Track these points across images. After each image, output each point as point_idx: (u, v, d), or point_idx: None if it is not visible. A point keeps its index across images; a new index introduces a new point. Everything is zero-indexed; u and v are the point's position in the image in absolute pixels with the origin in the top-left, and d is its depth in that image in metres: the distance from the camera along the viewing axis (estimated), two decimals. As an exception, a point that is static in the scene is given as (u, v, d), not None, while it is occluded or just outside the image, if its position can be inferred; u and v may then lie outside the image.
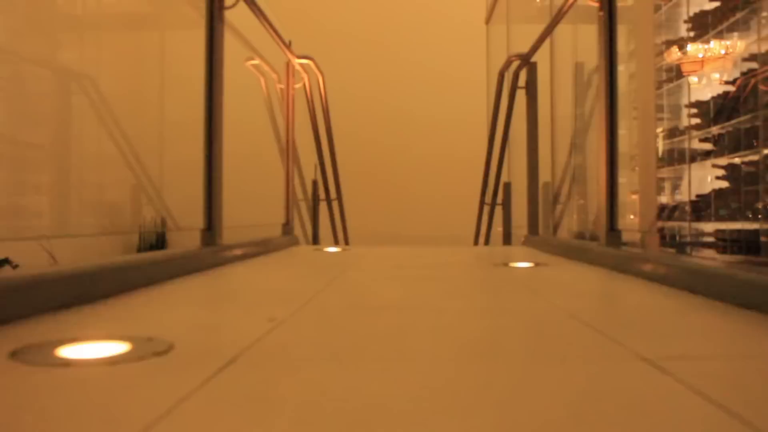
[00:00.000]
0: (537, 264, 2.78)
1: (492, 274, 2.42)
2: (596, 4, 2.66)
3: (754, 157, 4.66)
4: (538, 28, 3.74)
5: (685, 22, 5.54)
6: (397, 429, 0.68)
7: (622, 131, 4.85)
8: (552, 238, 4.13)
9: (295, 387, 0.85)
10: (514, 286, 2.05)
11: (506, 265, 2.76)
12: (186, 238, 4.77)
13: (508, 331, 1.28)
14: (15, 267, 2.72)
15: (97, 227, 3.93)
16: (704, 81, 5.37)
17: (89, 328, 1.22)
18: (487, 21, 8.58)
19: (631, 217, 6.32)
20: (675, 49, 5.47)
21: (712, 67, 5.13)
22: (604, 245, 2.67)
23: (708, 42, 5.06)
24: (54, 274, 1.44)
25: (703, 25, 5.34)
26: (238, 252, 2.94)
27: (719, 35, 5.20)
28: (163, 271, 2.03)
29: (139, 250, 4.16)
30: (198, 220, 2.71)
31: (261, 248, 3.39)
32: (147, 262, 1.97)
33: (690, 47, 5.31)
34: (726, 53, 4.83)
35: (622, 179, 6.08)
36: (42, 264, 2.87)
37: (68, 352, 1.00)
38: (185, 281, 2.00)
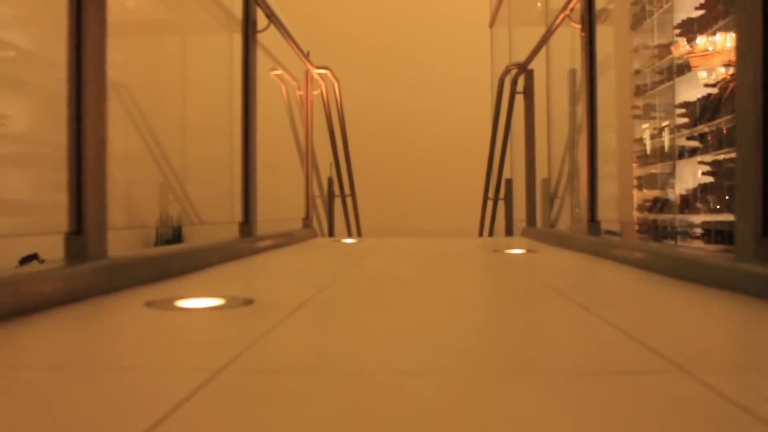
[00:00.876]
0: (529, 251, 3.22)
1: (488, 258, 2.86)
2: (578, 26, 3.09)
3: (735, 154, 5.07)
4: (538, 31, 4.14)
5: (675, 27, 5.96)
6: (410, 339, 1.13)
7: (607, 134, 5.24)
8: (546, 229, 4.55)
9: (343, 320, 1.30)
10: (505, 266, 2.49)
11: (502, 251, 3.20)
12: (208, 232, 5.22)
13: (491, 292, 1.72)
14: (42, 262, 2.90)
15: (119, 222, 4.28)
16: (694, 81, 5.78)
17: (190, 291, 1.67)
18: (491, 24, 8.98)
19: (623, 209, 6.76)
20: (683, 42, 5.74)
21: (719, 60, 5.36)
22: (586, 234, 3.11)
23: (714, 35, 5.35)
24: (157, 253, 1.91)
25: (691, 30, 5.76)
26: (269, 242, 3.39)
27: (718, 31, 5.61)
28: (215, 255, 2.48)
29: (156, 244, 4.43)
30: (216, 215, 3.15)
31: (287, 239, 3.84)
32: (206, 248, 2.43)
33: (699, 41, 5.58)
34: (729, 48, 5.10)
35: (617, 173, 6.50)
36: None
37: (183, 303, 1.46)
38: (234, 264, 2.45)
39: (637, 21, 6.67)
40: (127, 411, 0.70)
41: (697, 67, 5.68)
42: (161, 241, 4.48)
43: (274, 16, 3.28)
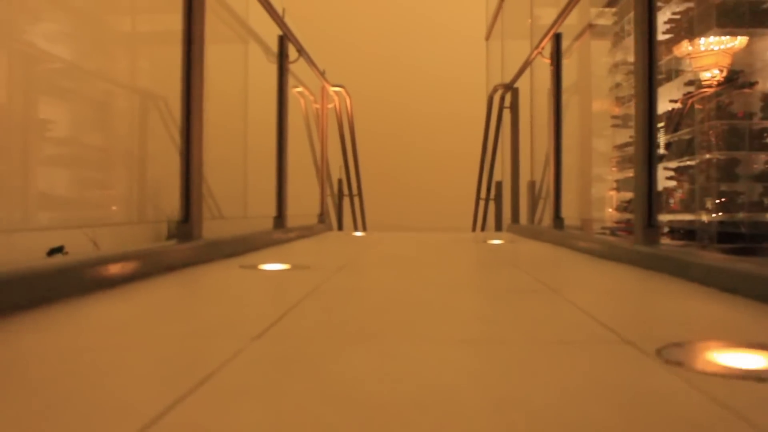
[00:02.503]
0: (508, 242, 3.99)
1: (473, 246, 3.62)
2: (548, 61, 3.85)
3: (692, 162, 5.85)
4: (528, 45, 4.87)
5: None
6: (412, 281, 1.89)
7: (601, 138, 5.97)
8: (526, 225, 5.31)
9: (368, 275, 2.07)
10: (484, 251, 3.25)
11: (486, 242, 3.96)
12: (227, 225, 5.97)
13: (468, 264, 2.49)
14: (65, 254, 3.11)
15: (139, 217, 4.83)
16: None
17: (261, 261, 2.43)
18: (487, 38, 9.74)
19: (609, 210, 7.51)
20: (685, 43, 6.19)
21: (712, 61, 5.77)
22: (553, 228, 3.88)
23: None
24: (228, 238, 2.68)
25: (659, 52, 6.50)
26: (296, 234, 4.15)
27: (674, 60, 6.37)
28: (261, 241, 3.24)
29: (168, 238, 4.89)
30: (232, 211, 3.86)
31: (309, 231, 4.61)
32: (256, 235, 3.20)
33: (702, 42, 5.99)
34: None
35: (609, 177, 7.25)
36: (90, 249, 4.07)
37: (264, 267, 2.22)
38: (276, 248, 3.22)
39: (618, 39, 7.44)
40: (251, 319, 1.47)
41: (700, 67, 6.07)
42: (172, 235, 4.94)
43: (303, 51, 4.05)
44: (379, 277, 2.04)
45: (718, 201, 5.60)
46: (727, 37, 5.58)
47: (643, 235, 2.30)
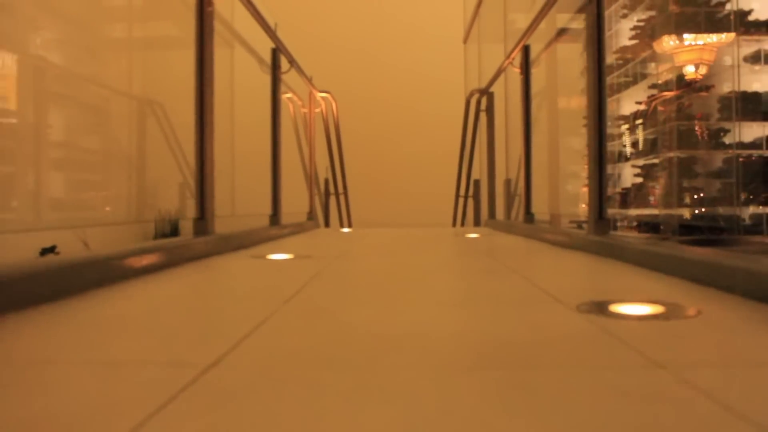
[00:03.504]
0: (483, 235, 4.38)
1: (451, 239, 4.00)
2: (518, 70, 4.24)
3: (656, 160, 6.29)
4: (506, 46, 5.23)
5: (614, 52, 7.15)
6: (397, 265, 2.27)
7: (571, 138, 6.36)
8: (503, 220, 5.70)
9: (362, 261, 2.45)
10: (461, 243, 3.64)
11: (463, 236, 4.35)
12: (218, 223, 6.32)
13: (444, 253, 2.88)
14: (57, 254, 3.20)
15: (128, 217, 5.07)
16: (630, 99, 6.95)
17: (267, 253, 2.80)
18: (465, 41, 10.14)
19: (582, 205, 7.95)
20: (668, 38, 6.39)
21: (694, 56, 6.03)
22: (524, 223, 4.27)
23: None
24: (235, 233, 3.05)
25: (625, 56, 6.95)
26: (289, 230, 4.51)
27: (639, 64, 6.82)
28: (261, 236, 3.60)
29: (155, 237, 4.81)
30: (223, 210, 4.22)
31: (300, 228, 4.97)
32: (256, 231, 3.56)
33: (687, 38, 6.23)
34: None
35: (582, 174, 7.69)
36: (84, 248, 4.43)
37: (272, 256, 2.58)
38: (274, 242, 3.58)
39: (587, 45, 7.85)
40: (276, 292, 1.84)
41: (684, 62, 6.29)
42: (159, 234, 4.76)
43: (294, 62, 4.41)
44: (371, 263, 2.41)
45: (679, 197, 6.04)
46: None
47: (595, 227, 2.70)
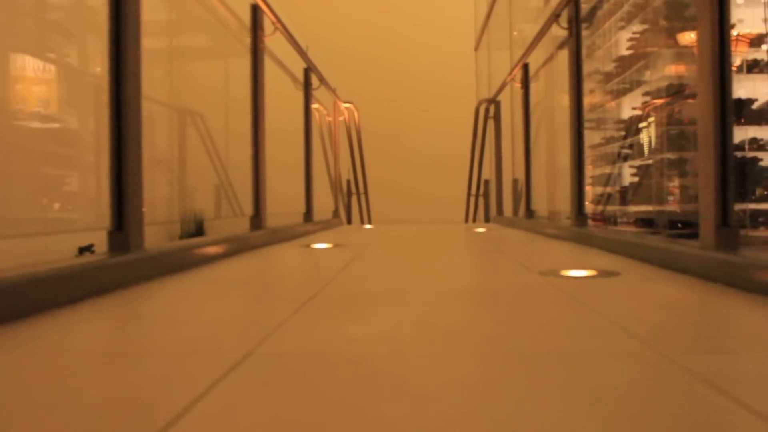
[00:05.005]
0: (489, 230, 5.01)
1: (462, 233, 4.64)
2: (518, 85, 4.87)
3: (650, 161, 6.88)
4: (514, 54, 5.82)
5: (613, 61, 7.73)
6: (416, 250, 2.91)
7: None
8: (508, 216, 6.32)
9: (389, 249, 3.10)
10: (469, 236, 4.27)
11: (473, 230, 4.98)
12: (232, 225, 7.01)
13: (455, 244, 3.52)
14: (93, 252, 3.34)
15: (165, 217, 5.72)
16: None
17: (309, 242, 3.45)
18: (476, 48, 10.76)
19: (587, 203, 8.55)
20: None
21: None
22: (525, 218, 4.90)
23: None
24: (281, 226, 3.71)
25: (623, 65, 7.53)
26: (319, 226, 5.16)
27: (636, 72, 7.40)
28: (299, 231, 4.25)
29: (181, 236, 4.93)
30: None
31: (327, 225, 5.62)
32: (294, 227, 4.21)
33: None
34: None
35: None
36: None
37: (316, 245, 3.24)
38: (309, 236, 4.23)
39: (590, 52, 8.47)
40: (329, 267, 2.49)
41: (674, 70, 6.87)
42: (184, 233, 4.95)
43: (324, 80, 5.06)
44: (394, 249, 3.06)
45: (670, 194, 6.63)
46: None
47: (575, 220, 3.32)
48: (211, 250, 2.63)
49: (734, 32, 6.41)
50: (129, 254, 1.83)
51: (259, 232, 3.33)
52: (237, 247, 2.89)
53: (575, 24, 3.33)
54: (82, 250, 3.31)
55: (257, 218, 3.40)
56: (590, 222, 7.40)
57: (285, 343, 1.05)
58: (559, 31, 4.87)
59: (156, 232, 5.18)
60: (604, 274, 1.91)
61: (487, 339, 1.11)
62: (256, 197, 3.41)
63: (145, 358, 0.99)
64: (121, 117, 1.87)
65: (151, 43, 5.56)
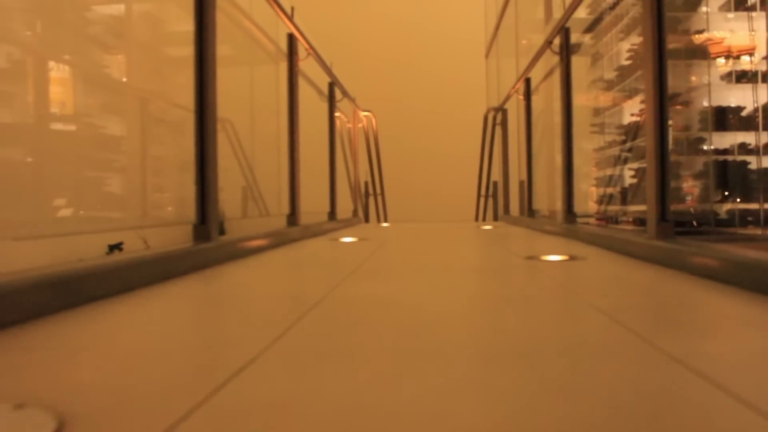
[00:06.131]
0: (495, 227, 5.57)
1: (470, 230, 5.20)
2: (521, 97, 5.42)
3: (646, 164, 7.39)
4: (520, 62, 6.38)
5: (615, 69, 8.26)
6: (430, 242, 3.49)
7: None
8: (514, 215, 6.87)
9: (407, 242, 3.68)
10: (475, 232, 4.83)
11: (480, 227, 5.54)
12: (249, 224, 7.63)
13: (464, 239, 4.09)
14: (121, 251, 3.71)
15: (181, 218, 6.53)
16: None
17: (337, 237, 4.03)
18: (486, 56, 11.30)
19: (589, 203, 9.10)
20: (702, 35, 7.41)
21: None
22: (527, 217, 5.46)
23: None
24: (312, 223, 4.30)
25: (623, 74, 8.06)
26: (341, 224, 5.74)
27: (635, 80, 7.93)
28: (326, 228, 4.83)
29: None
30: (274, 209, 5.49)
31: (348, 223, 6.20)
32: (321, 224, 4.79)
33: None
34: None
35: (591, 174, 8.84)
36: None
37: (343, 239, 3.82)
38: (332, 233, 4.81)
39: (595, 60, 9.00)
40: (358, 255, 3.07)
41: (716, 54, 7.26)
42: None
43: (347, 93, 5.65)
44: (411, 242, 3.63)
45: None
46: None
47: (565, 218, 3.88)
48: (261, 242, 3.21)
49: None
50: (210, 243, 2.42)
51: (295, 228, 3.91)
52: (279, 241, 3.47)
53: (565, 49, 3.89)
54: (112, 248, 3.67)
55: (293, 216, 3.98)
56: (594, 221, 7.92)
57: (343, 294, 1.63)
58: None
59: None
60: (574, 258, 2.47)
61: (476, 292, 1.69)
62: (292, 199, 3.99)
63: (267, 300, 1.58)
64: (204, 139, 2.45)
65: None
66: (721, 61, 6.70)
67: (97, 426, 0.67)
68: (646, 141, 2.49)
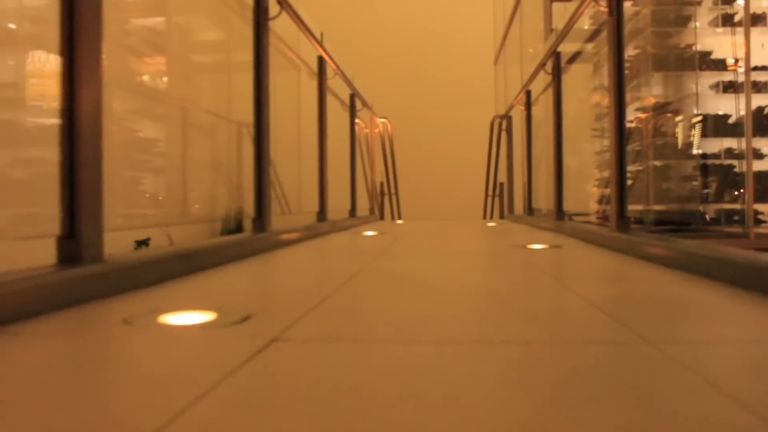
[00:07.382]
0: (498, 224, 6.20)
1: (476, 227, 5.83)
2: (522, 108, 6.05)
3: (641, 167, 8.01)
4: (527, 68, 7.03)
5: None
6: (440, 236, 4.14)
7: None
8: (517, 214, 7.50)
9: (420, 235, 4.33)
10: (480, 228, 5.47)
11: (486, 225, 6.18)
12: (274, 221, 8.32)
13: (470, 233, 4.74)
14: (147, 246, 3.94)
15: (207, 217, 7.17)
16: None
17: (359, 231, 4.68)
18: (495, 62, 11.93)
19: (591, 202, 9.72)
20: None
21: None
22: (526, 215, 6.09)
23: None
24: (337, 220, 4.97)
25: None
26: (360, 221, 6.40)
27: (633, 88, 8.53)
28: (348, 224, 5.48)
29: (222, 233, 5.41)
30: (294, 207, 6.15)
31: (366, 220, 6.86)
32: (339, 221, 5.45)
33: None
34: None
35: (594, 176, 9.46)
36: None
37: (365, 233, 4.47)
38: (352, 229, 5.46)
39: (598, 67, 9.61)
40: (380, 245, 3.73)
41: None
42: (224, 230, 5.40)
43: (366, 103, 6.30)
44: (424, 235, 4.28)
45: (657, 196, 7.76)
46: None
47: (556, 215, 4.51)
48: (298, 234, 3.86)
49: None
50: (265, 233, 3.08)
51: (324, 223, 4.57)
52: (310, 234, 4.12)
53: (556, 70, 4.52)
54: (140, 244, 3.95)
55: (322, 213, 4.64)
56: (594, 219, 8.49)
57: (377, 266, 2.28)
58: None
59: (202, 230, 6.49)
60: (552, 246, 3.12)
61: (469, 266, 2.34)
62: (321, 198, 4.65)
63: (326, 269, 2.25)
64: (260, 155, 3.11)
65: (224, 71, 6.84)
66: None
67: (268, 314, 1.33)
68: (610, 159, 3.11)
